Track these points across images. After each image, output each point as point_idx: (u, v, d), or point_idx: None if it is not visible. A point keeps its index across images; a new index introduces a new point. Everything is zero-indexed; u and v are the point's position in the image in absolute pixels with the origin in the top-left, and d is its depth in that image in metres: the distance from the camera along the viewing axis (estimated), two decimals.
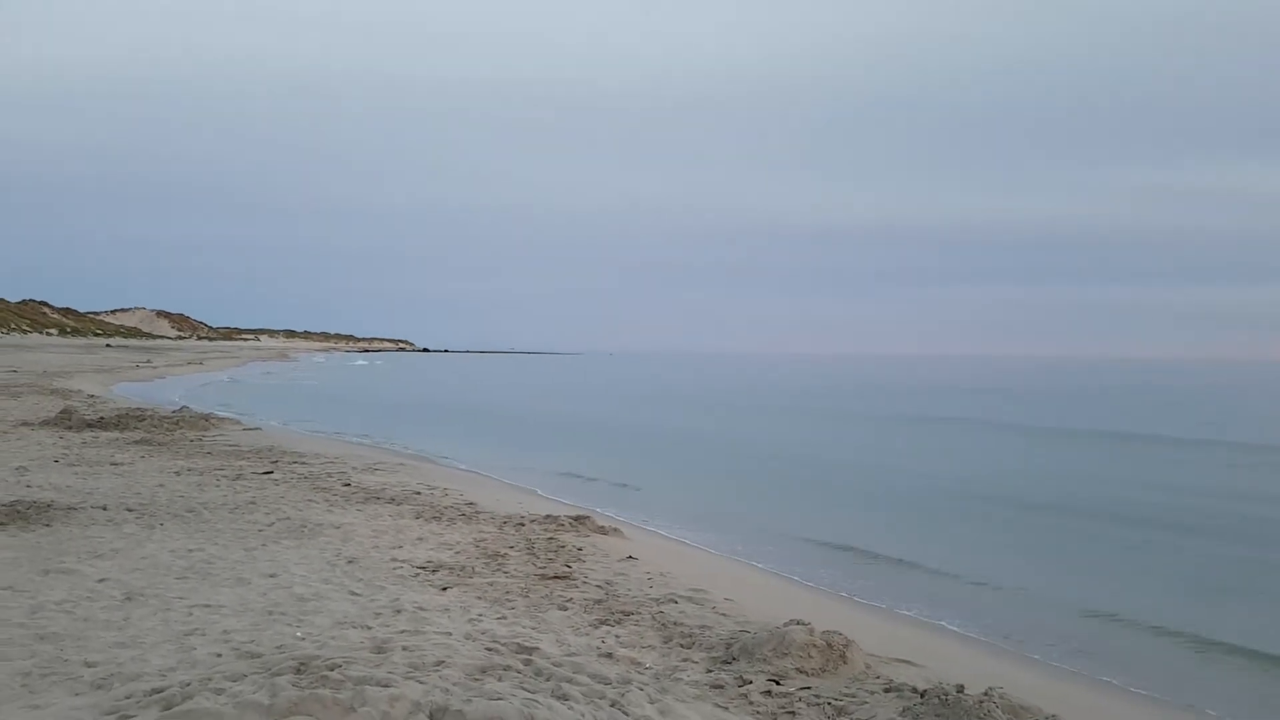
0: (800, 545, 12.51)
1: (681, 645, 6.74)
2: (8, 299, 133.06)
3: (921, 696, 5.67)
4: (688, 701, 5.53)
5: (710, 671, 6.19)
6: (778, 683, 6.02)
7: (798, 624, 6.73)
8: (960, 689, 5.59)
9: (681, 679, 5.95)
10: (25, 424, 19.68)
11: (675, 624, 7.25)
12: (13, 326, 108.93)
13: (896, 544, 12.42)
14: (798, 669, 6.23)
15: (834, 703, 5.73)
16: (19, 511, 9.92)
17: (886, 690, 5.95)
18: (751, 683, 5.99)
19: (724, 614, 7.69)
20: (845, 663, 6.38)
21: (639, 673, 6.00)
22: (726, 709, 5.55)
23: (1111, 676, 7.50)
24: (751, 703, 5.68)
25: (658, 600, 7.97)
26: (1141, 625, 8.99)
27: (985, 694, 5.51)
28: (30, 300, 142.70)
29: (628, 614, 7.45)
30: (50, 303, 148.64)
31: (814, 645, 6.42)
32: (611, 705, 5.25)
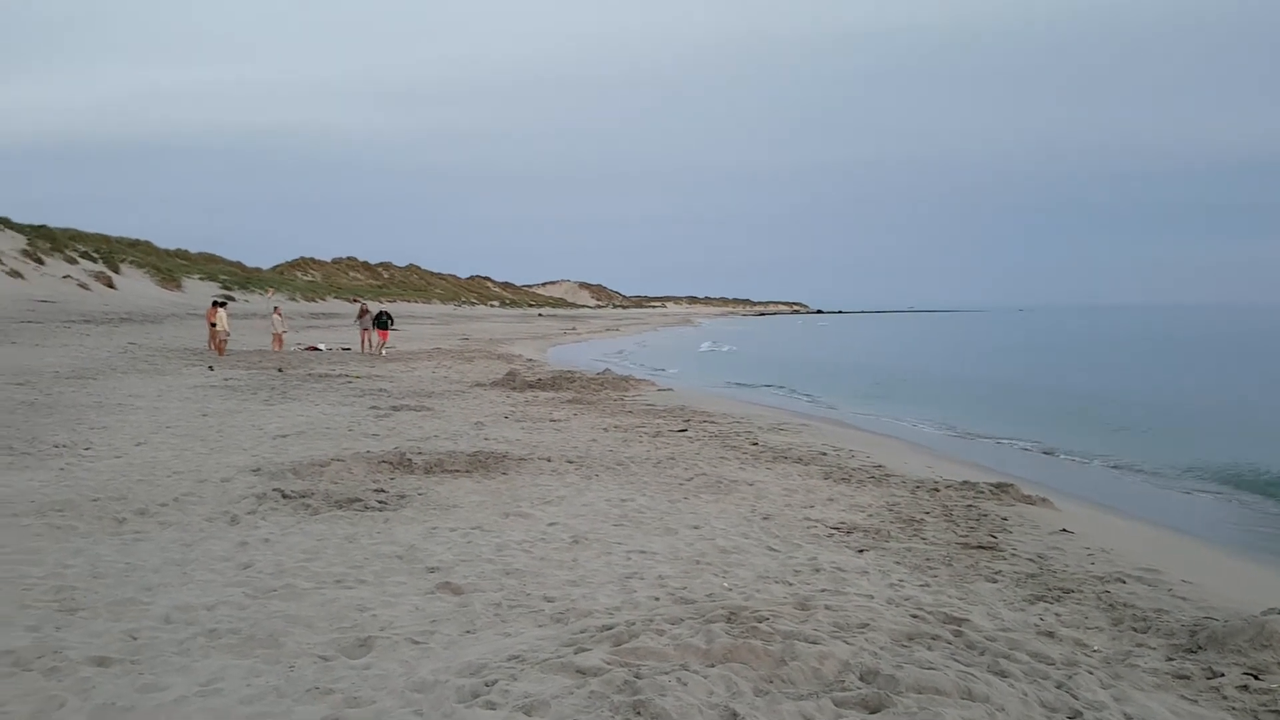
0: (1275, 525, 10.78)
1: (1134, 629, 6.06)
2: (459, 275, 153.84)
3: None
4: (1147, 690, 4.95)
5: (1171, 660, 5.50)
6: (1256, 677, 5.21)
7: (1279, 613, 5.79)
8: None
9: (1138, 665, 5.35)
10: (479, 385, 22.49)
11: (1125, 605, 6.53)
12: (464, 299, 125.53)
13: None
14: None
15: None
16: (480, 461, 11.34)
17: None
18: (1223, 675, 5.24)
19: (1183, 598, 6.81)
20: None
21: (1086, 655, 5.48)
22: (1195, 702, 4.89)
23: None
24: (1225, 697, 4.96)
25: (1102, 579, 7.24)
26: None
27: None
28: (477, 276, 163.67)
29: (1067, 591, 6.85)
30: (492, 277, 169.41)
31: None
32: (1057, 687, 4.84)
